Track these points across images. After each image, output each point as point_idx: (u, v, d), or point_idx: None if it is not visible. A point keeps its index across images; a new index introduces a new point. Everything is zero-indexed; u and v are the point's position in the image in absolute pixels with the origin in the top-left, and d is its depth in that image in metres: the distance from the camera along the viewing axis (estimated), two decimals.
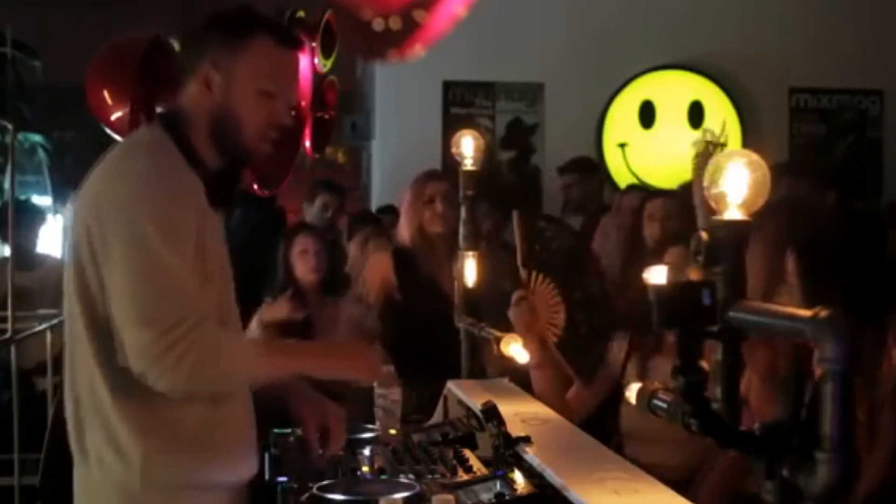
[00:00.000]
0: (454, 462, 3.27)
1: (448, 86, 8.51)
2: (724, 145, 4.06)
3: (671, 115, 8.61)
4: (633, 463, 3.81)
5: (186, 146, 2.87)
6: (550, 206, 8.19)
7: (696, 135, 8.20)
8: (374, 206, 8.35)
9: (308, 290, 5.38)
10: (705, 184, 1.81)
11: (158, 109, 3.09)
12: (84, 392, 2.82)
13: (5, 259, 6.90)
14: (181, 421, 2.79)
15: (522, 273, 4.33)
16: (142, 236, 2.66)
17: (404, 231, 5.20)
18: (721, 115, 8.58)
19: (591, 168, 7.98)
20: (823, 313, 1.57)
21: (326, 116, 4.44)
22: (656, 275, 1.90)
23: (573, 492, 2.77)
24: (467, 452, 3.37)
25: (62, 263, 3.01)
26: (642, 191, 6.53)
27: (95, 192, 2.78)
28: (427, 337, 4.31)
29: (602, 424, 4.12)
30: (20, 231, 6.69)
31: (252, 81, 2.87)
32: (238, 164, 2.99)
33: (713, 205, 1.80)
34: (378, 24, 4.03)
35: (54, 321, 5.99)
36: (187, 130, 2.89)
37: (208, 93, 2.88)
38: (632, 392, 2.07)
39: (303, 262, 5.38)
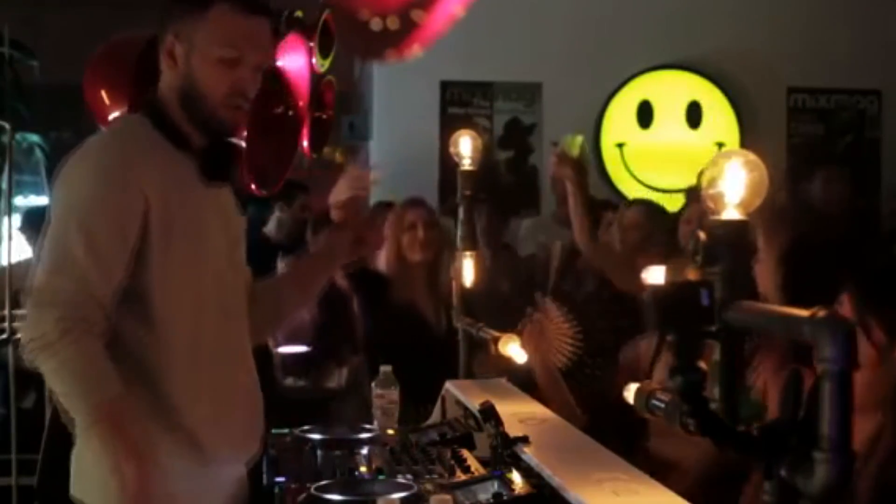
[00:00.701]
0: (452, 462, 3.27)
1: (446, 86, 8.51)
2: None
3: (669, 115, 8.61)
4: (657, 457, 3.83)
5: (168, 126, 2.90)
6: (548, 206, 8.19)
7: (695, 134, 8.27)
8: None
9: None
10: (703, 184, 1.81)
11: None
12: None
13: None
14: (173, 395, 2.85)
15: (546, 299, 4.36)
16: (60, 223, 2.78)
17: (383, 256, 5.16)
18: (719, 115, 8.60)
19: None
20: (822, 313, 1.56)
21: (324, 116, 4.42)
22: (654, 275, 1.90)
23: (571, 492, 2.76)
24: (465, 453, 3.37)
25: None
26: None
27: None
28: (403, 363, 4.26)
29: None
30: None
31: (212, 49, 2.87)
32: (218, 136, 2.97)
33: (711, 205, 1.79)
34: (376, 24, 4.03)
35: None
36: (168, 110, 2.91)
37: (173, 65, 2.90)
38: (630, 392, 2.07)
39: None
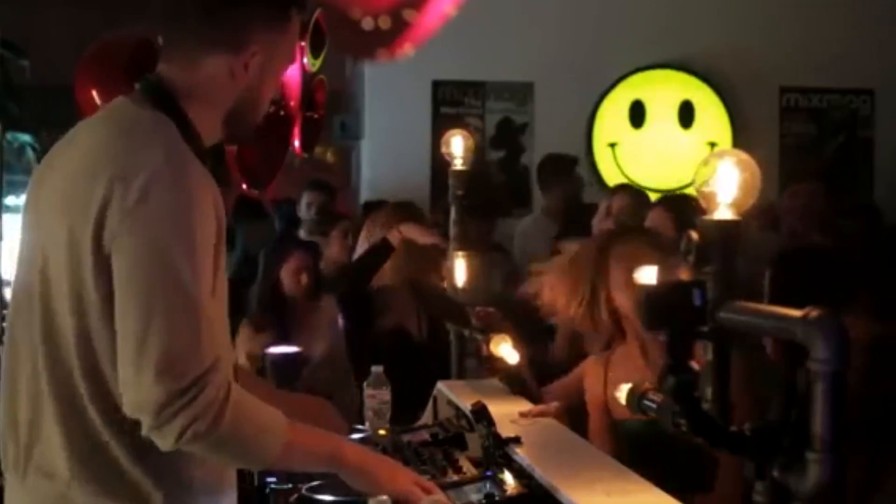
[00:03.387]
0: (444, 463, 3.27)
1: (437, 85, 8.50)
2: None
3: (661, 115, 8.61)
4: None
5: (187, 128, 2.39)
6: (540, 207, 8.19)
7: (687, 134, 8.28)
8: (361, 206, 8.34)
9: (293, 301, 5.35)
10: (696, 184, 1.81)
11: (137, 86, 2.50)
12: (75, 440, 2.31)
13: None
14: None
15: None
16: (164, 256, 2.20)
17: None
18: (711, 114, 8.60)
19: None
20: (814, 313, 1.56)
21: (315, 116, 4.41)
22: (646, 275, 1.89)
23: (563, 492, 2.76)
24: (457, 453, 3.37)
25: None
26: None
27: (94, 189, 2.23)
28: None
29: None
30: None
31: (284, 62, 2.55)
32: (228, 142, 2.66)
33: (703, 204, 1.79)
34: (367, 23, 4.02)
35: None
36: (187, 109, 2.41)
37: (244, 76, 2.44)
38: (622, 392, 2.06)
39: (294, 282, 5.33)
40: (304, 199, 7.36)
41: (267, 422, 2.32)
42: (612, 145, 8.57)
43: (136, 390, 2.18)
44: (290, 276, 5.33)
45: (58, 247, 2.28)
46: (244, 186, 4.07)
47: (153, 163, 2.24)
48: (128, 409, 2.21)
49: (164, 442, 2.20)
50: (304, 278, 5.32)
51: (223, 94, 2.45)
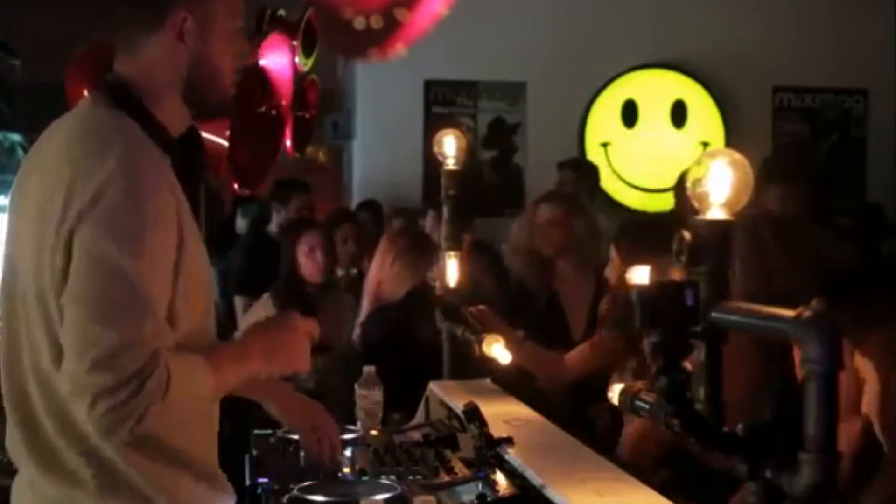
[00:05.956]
0: (436, 463, 3.27)
1: (429, 85, 8.50)
2: None
3: (654, 115, 8.61)
4: None
5: (149, 122, 2.39)
6: None
7: (679, 134, 8.27)
8: (354, 207, 8.34)
9: (312, 290, 5.32)
10: (688, 183, 1.80)
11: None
12: (72, 436, 2.31)
13: None
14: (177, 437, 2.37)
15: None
16: (110, 258, 2.20)
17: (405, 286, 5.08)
18: (704, 114, 8.60)
19: (588, 168, 8.00)
20: (807, 313, 1.56)
21: (307, 115, 4.41)
22: (639, 275, 1.89)
23: (555, 492, 2.76)
24: (449, 453, 3.37)
25: None
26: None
27: (56, 191, 2.27)
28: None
29: None
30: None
31: (227, 21, 2.48)
32: (204, 119, 2.61)
33: (696, 204, 1.79)
34: (359, 23, 4.00)
35: None
36: (147, 102, 2.41)
37: (182, 47, 2.42)
38: (614, 392, 2.06)
39: (311, 262, 5.32)
40: (296, 202, 7.29)
41: (197, 388, 2.32)
42: (605, 145, 8.57)
43: (73, 379, 2.19)
44: (305, 256, 5.31)
45: (36, 248, 2.30)
46: (235, 185, 4.06)
47: (107, 166, 2.25)
48: (68, 398, 2.23)
49: (100, 432, 2.21)
50: (319, 256, 5.30)
51: (171, 74, 2.44)
